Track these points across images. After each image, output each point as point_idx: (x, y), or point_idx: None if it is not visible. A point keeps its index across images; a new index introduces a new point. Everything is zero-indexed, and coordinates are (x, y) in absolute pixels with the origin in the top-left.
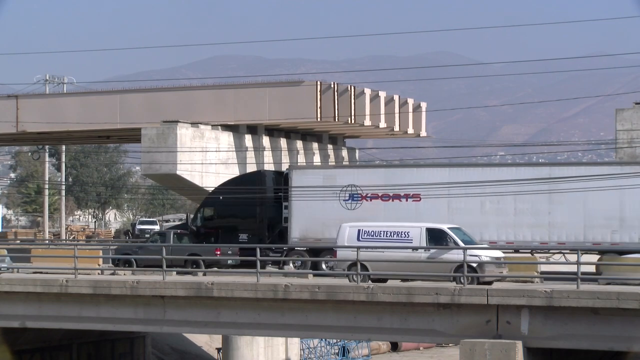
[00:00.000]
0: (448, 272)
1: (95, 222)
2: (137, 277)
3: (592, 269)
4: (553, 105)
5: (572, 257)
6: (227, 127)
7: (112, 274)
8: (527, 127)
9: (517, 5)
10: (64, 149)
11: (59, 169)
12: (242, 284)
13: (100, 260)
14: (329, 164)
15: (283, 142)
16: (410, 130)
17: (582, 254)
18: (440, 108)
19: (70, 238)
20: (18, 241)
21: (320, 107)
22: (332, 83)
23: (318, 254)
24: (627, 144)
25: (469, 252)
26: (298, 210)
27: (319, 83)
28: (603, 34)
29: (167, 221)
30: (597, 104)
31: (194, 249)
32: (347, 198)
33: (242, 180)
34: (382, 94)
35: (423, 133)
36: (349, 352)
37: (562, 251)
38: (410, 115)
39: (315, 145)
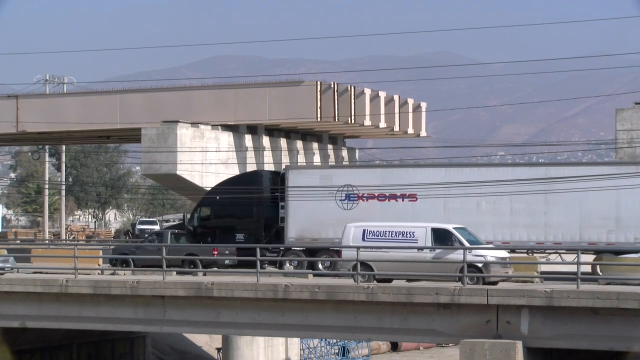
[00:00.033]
0: (453, 272)
1: (95, 222)
2: (137, 277)
3: (588, 268)
4: (553, 105)
5: (567, 257)
6: (227, 127)
7: (112, 274)
8: (527, 127)
9: (517, 5)
10: (64, 149)
11: (59, 169)
12: (242, 284)
13: (100, 260)
14: (326, 163)
15: (283, 142)
16: (410, 130)
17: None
18: (440, 108)
19: (70, 238)
20: (18, 241)
21: (320, 107)
22: (332, 83)
23: (315, 254)
24: (627, 144)
25: (474, 252)
26: (294, 210)
27: (319, 83)
28: (603, 34)
29: (167, 221)
30: (597, 104)
31: (192, 249)
32: (343, 198)
33: (239, 180)
34: (382, 94)
35: (423, 133)
36: (349, 352)
37: (558, 251)
38: (410, 115)
39: (315, 145)
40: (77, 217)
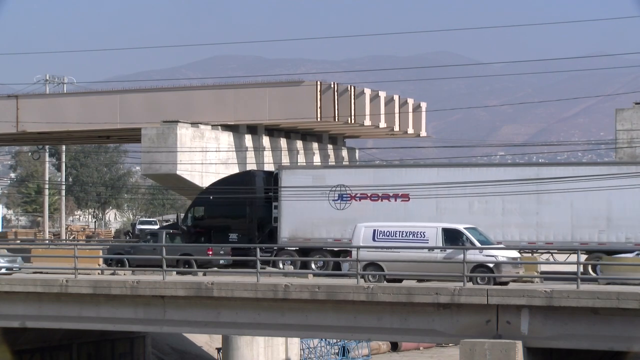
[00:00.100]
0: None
1: (95, 222)
2: (137, 277)
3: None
4: (553, 105)
5: (559, 257)
6: (227, 127)
7: (112, 274)
8: (527, 127)
9: (517, 5)
10: (64, 149)
11: (59, 169)
12: (242, 284)
13: (101, 260)
14: (319, 164)
15: (283, 142)
16: (410, 130)
17: (571, 253)
18: (440, 108)
19: (70, 238)
20: (18, 241)
21: (320, 107)
22: (332, 83)
23: (308, 254)
24: (627, 144)
25: (485, 252)
26: (288, 210)
27: (319, 83)
28: (603, 34)
29: (167, 221)
30: (597, 104)
31: (187, 249)
32: (336, 198)
33: (232, 180)
34: (382, 94)
35: (423, 133)
36: (349, 352)
37: (550, 251)
38: (410, 115)
39: (315, 145)
40: (77, 217)
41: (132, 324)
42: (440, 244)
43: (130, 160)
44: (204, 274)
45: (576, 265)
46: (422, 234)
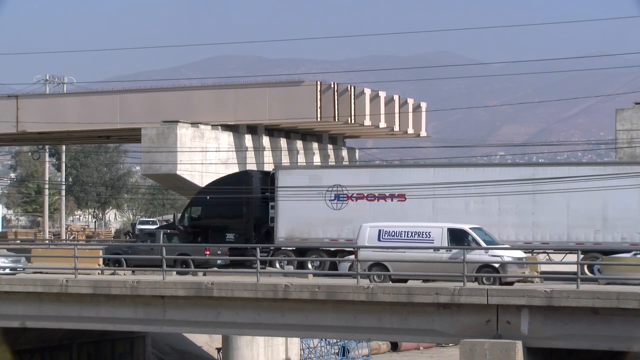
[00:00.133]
0: (470, 273)
1: (95, 222)
2: (137, 277)
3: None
4: (553, 105)
5: (555, 257)
6: (227, 127)
7: (112, 274)
8: (527, 127)
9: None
10: (64, 149)
11: (59, 169)
12: (242, 284)
13: (101, 260)
14: (318, 164)
15: (283, 142)
16: (410, 130)
17: (567, 253)
18: (440, 108)
19: (70, 238)
20: (18, 241)
21: (320, 107)
22: (332, 83)
23: (304, 254)
24: (627, 144)
25: (490, 252)
26: (284, 210)
27: (319, 83)
28: (603, 34)
29: (167, 221)
30: (597, 104)
31: (184, 249)
32: (332, 198)
33: (229, 180)
34: (382, 94)
35: (423, 133)
36: (349, 352)
37: (547, 251)
38: (410, 115)
39: (315, 145)
40: (77, 217)
41: (132, 324)
42: (446, 244)
43: (130, 160)
44: (204, 274)
45: (576, 265)
46: (427, 234)
